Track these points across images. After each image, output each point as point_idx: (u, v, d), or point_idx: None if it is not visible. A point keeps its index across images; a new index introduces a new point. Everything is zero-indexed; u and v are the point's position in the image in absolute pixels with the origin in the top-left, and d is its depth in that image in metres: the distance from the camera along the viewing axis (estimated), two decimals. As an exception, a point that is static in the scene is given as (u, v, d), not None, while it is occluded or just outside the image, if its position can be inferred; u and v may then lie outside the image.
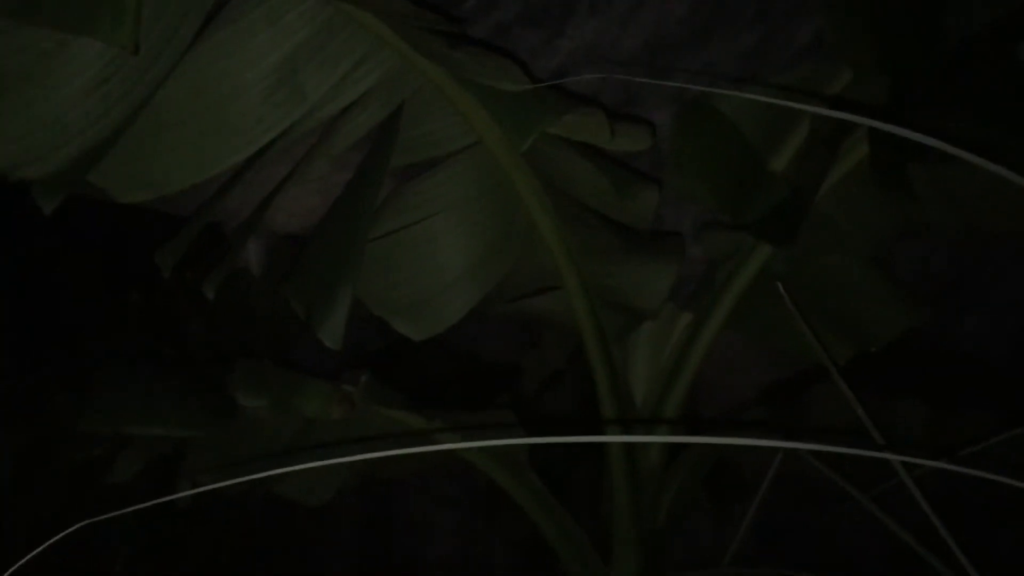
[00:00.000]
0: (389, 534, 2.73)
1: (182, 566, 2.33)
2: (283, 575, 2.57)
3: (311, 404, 1.76)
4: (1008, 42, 1.49)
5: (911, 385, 2.18)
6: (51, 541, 0.72)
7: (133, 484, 1.93)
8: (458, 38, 1.31)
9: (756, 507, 1.59)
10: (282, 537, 2.51)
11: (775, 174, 2.00)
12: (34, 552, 0.73)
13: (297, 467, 0.65)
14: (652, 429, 2.05)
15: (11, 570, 0.72)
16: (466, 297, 1.80)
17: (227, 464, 1.86)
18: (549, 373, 2.70)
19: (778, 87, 1.98)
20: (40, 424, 1.73)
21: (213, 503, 1.95)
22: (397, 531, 2.76)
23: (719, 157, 2.00)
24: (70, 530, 0.72)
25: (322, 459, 1.69)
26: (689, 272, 2.06)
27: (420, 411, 1.88)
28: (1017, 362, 2.39)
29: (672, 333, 2.06)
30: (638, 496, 2.06)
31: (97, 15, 0.97)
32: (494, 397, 2.69)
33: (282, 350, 2.43)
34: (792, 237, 1.75)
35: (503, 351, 2.80)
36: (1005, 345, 2.47)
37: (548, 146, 1.45)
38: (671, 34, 2.02)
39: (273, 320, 2.32)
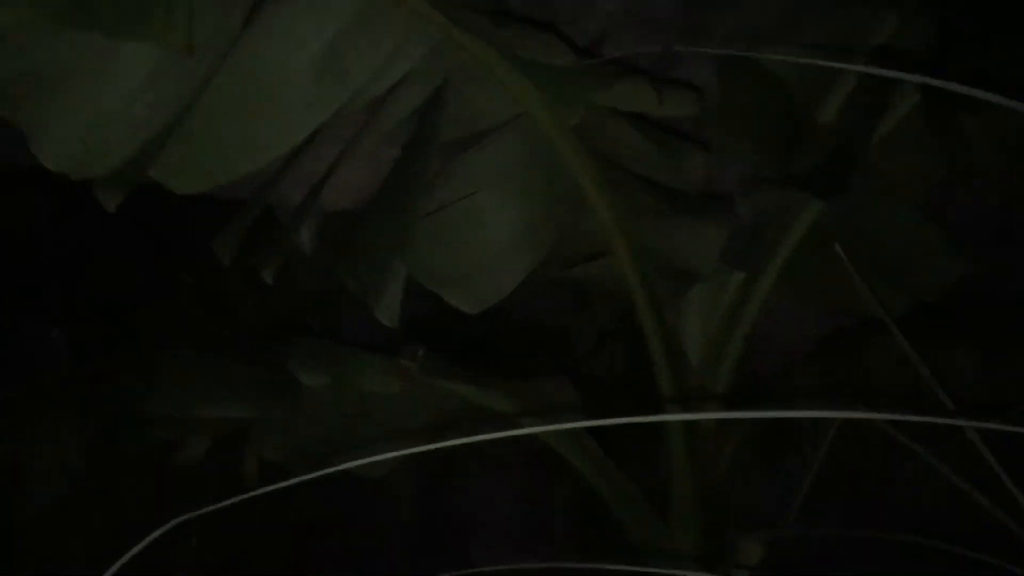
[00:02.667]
0: (446, 497, 2.79)
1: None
2: (342, 540, 2.64)
3: (371, 380, 1.81)
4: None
5: (963, 336, 2.18)
6: (155, 535, 0.76)
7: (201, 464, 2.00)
8: (502, 15, 1.33)
9: (817, 466, 1.61)
10: (340, 502, 2.58)
11: (822, 126, 1.99)
12: (139, 546, 0.76)
13: (392, 454, 0.68)
14: (709, 391, 2.07)
15: (113, 569, 0.76)
16: (517, 268, 1.83)
17: (294, 443, 1.92)
18: (598, 335, 2.72)
19: (819, 41, 1.96)
20: (109, 409, 1.79)
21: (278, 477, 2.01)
22: (454, 494, 2.81)
23: (764, 112, 1.99)
24: (172, 524, 0.76)
25: (397, 440, 1.74)
26: (738, 229, 2.06)
27: (476, 381, 1.91)
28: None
29: (724, 293, 2.06)
30: (696, 454, 2.08)
31: (150, 19, 1.00)
32: (543, 361, 2.72)
33: (332, 324, 2.48)
34: (843, 190, 1.75)
35: (550, 314, 2.82)
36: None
37: (594, 115, 1.46)
38: (708, -12, 2.00)
39: (322, 295, 2.36)
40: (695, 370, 2.13)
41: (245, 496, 0.78)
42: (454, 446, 1.94)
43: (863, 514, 2.34)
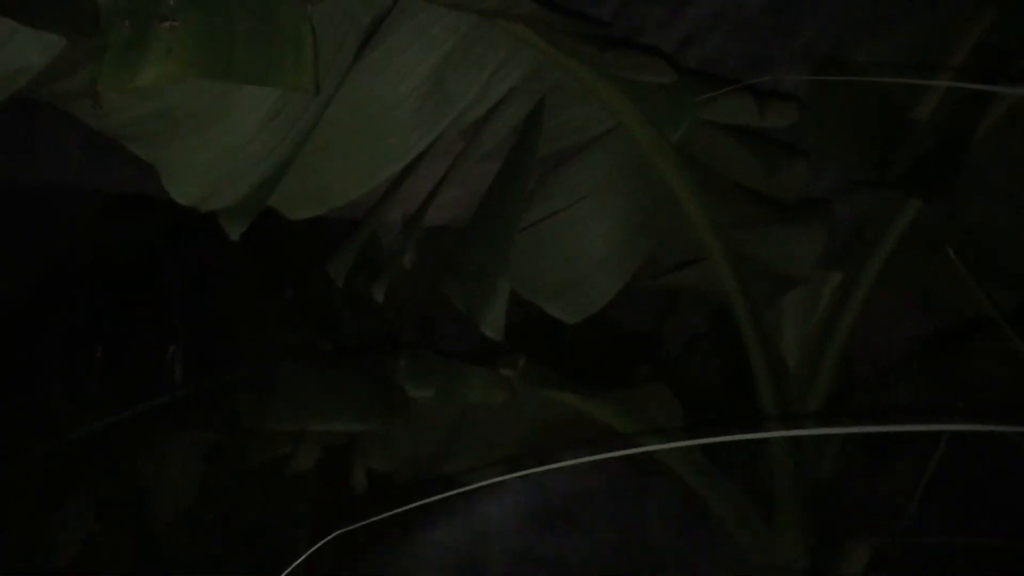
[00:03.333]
0: (546, 500, 2.81)
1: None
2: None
3: (474, 391, 1.86)
4: None
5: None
6: (314, 548, 0.81)
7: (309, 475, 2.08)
8: (602, 39, 1.36)
9: (928, 472, 1.61)
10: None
11: (919, 123, 1.98)
12: (299, 559, 0.82)
13: (549, 466, 0.72)
14: (809, 395, 2.07)
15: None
16: (615, 277, 1.87)
17: (400, 454, 1.99)
18: (691, 337, 2.73)
19: (913, 39, 1.95)
20: (227, 424, 1.88)
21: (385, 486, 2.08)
22: (554, 497, 2.84)
23: (858, 112, 1.99)
24: (329, 538, 0.81)
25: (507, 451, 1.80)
26: (836, 231, 2.06)
27: (576, 390, 1.96)
28: None
29: (822, 294, 2.07)
30: (798, 457, 2.09)
31: (282, 66, 1.06)
32: (635, 363, 2.75)
33: (430, 335, 2.55)
34: (946, 193, 1.74)
35: (641, 316, 2.84)
36: None
37: (693, 127, 1.49)
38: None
39: (421, 307, 2.42)
40: (794, 374, 2.14)
41: (403, 509, 0.83)
42: (549, 445, 1.96)
43: (974, 519, 2.30)
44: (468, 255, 1.76)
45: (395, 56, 1.42)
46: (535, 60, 1.54)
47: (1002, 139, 1.88)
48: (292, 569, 0.85)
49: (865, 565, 2.04)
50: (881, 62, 1.98)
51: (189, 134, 1.27)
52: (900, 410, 2.30)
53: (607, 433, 2.08)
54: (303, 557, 0.83)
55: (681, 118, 1.33)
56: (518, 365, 1.94)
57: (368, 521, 0.87)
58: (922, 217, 1.94)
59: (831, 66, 1.97)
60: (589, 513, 2.92)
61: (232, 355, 2.36)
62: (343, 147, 1.48)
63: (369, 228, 1.57)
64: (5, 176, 1.91)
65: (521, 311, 2.08)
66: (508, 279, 1.68)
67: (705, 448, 2.08)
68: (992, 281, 1.99)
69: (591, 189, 1.78)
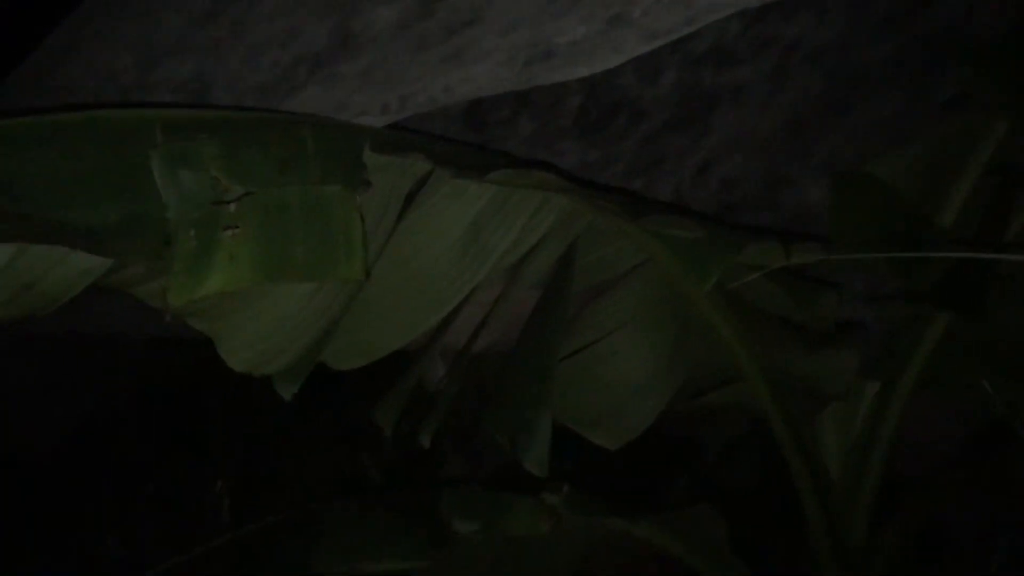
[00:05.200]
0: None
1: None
2: None
3: (519, 523, 1.90)
4: None
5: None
6: None
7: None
8: (631, 203, 1.45)
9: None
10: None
11: (943, 230, 2.04)
12: None
13: None
14: (853, 503, 2.10)
15: None
16: (653, 402, 1.92)
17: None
18: (729, 445, 2.76)
19: (929, 153, 2.02)
20: (275, 567, 1.93)
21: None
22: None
23: (881, 222, 2.06)
24: None
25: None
26: (870, 341, 2.11)
27: (623, 514, 1.99)
28: None
29: (861, 404, 2.10)
30: (845, 569, 2.10)
31: (335, 260, 1.15)
32: (676, 473, 2.77)
33: (470, 451, 2.59)
34: (978, 303, 1.79)
35: (679, 424, 2.86)
36: None
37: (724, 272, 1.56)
38: (810, 111, 2.10)
39: (460, 432, 2.47)
40: (837, 483, 2.17)
41: None
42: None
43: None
44: (508, 389, 1.82)
45: (434, 216, 1.51)
46: (566, 206, 1.62)
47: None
48: None
49: None
50: (899, 173, 2.06)
51: (242, 308, 1.35)
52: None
53: (656, 556, 2.10)
54: None
55: (711, 270, 1.40)
56: (562, 492, 1.98)
57: None
58: (955, 325, 1.98)
59: (850, 181, 2.05)
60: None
61: (279, 485, 2.42)
62: (387, 302, 1.56)
63: (415, 374, 1.64)
64: (54, 329, 2.00)
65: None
66: (550, 415, 1.74)
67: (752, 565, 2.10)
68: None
69: (625, 319, 1.85)
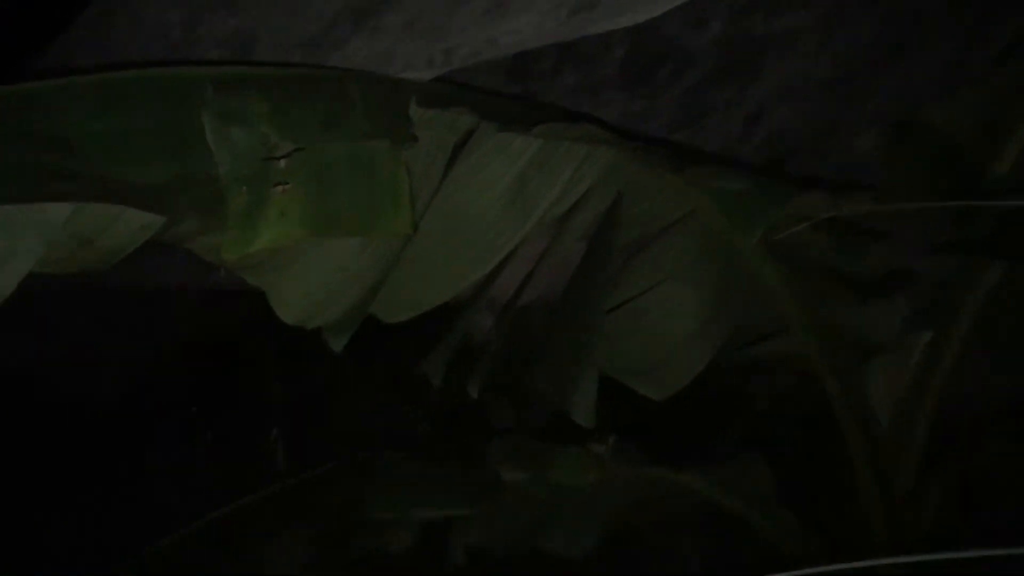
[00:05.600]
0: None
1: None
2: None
3: (566, 472, 1.94)
4: None
5: None
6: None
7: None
8: (677, 149, 1.45)
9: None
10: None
11: (999, 178, 2.00)
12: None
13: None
14: (903, 453, 2.10)
15: None
16: (700, 353, 1.93)
17: (497, 532, 2.07)
18: (775, 395, 2.75)
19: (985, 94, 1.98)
20: (333, 513, 1.99)
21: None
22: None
23: (935, 170, 2.03)
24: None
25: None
26: (920, 292, 2.09)
27: (669, 464, 2.02)
28: None
29: (912, 354, 2.09)
30: (893, 518, 2.11)
31: (382, 215, 1.17)
32: (720, 424, 2.78)
33: (518, 402, 2.62)
34: (1027, 254, 1.76)
35: (725, 375, 2.86)
36: None
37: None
38: (862, 58, 2.06)
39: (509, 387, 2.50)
40: (887, 434, 2.16)
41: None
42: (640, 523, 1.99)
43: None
44: (555, 341, 1.84)
45: (480, 170, 1.52)
46: (611, 159, 1.63)
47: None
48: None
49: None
50: (953, 122, 2.03)
51: (294, 262, 1.38)
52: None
53: (702, 505, 2.13)
54: None
55: (758, 222, 1.40)
56: (608, 443, 2.00)
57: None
58: (1008, 275, 1.96)
59: (903, 129, 2.02)
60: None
61: (330, 434, 2.48)
62: (435, 256, 1.58)
63: (462, 327, 1.66)
64: (114, 282, 2.06)
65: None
66: (596, 366, 1.76)
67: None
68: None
69: (671, 271, 1.86)
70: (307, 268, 1.41)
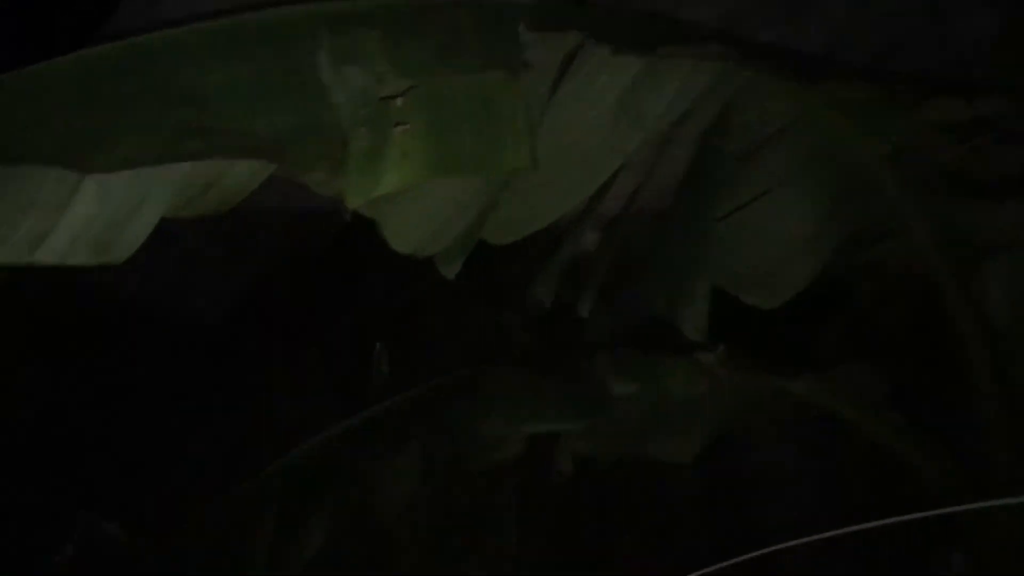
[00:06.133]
0: (738, 488, 2.82)
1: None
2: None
3: (676, 384, 1.95)
4: None
5: None
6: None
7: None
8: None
9: None
10: (629, 498, 2.70)
11: None
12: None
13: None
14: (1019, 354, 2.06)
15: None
16: (812, 261, 1.91)
17: (603, 442, 2.11)
18: (888, 298, 2.70)
19: None
20: (440, 428, 2.05)
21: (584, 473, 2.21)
22: (746, 485, 2.84)
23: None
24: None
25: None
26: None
27: (781, 372, 2.01)
28: None
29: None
30: (1015, 419, 2.08)
31: (503, 151, 1.17)
32: (827, 322, 2.75)
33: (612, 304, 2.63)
34: None
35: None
36: None
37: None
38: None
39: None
40: (1005, 331, 2.12)
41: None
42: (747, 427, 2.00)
43: None
44: (664, 253, 1.84)
45: (586, 86, 1.50)
46: (719, 67, 1.58)
47: None
48: None
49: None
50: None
51: (405, 194, 1.39)
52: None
53: (808, 409, 2.13)
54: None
55: (888, 130, 1.35)
56: (717, 351, 2.00)
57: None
58: None
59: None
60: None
61: (433, 345, 2.53)
62: (543, 177, 1.56)
63: (571, 245, 1.67)
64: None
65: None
66: (708, 280, 1.75)
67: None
68: None
69: (784, 178, 1.82)
70: (419, 198, 1.42)
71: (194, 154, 1.03)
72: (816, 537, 1.05)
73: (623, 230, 1.91)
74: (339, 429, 2.07)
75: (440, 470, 2.02)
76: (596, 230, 1.78)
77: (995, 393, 2.05)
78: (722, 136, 1.67)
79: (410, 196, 1.43)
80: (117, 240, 1.09)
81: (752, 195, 1.83)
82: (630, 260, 1.91)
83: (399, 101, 1.12)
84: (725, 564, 0.92)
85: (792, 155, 1.80)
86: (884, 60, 1.98)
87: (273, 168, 1.24)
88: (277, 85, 1.10)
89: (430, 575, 2.11)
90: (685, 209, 1.80)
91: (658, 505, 2.63)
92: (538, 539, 2.47)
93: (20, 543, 2.31)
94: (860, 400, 2.09)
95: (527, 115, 1.21)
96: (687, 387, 1.98)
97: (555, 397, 2.00)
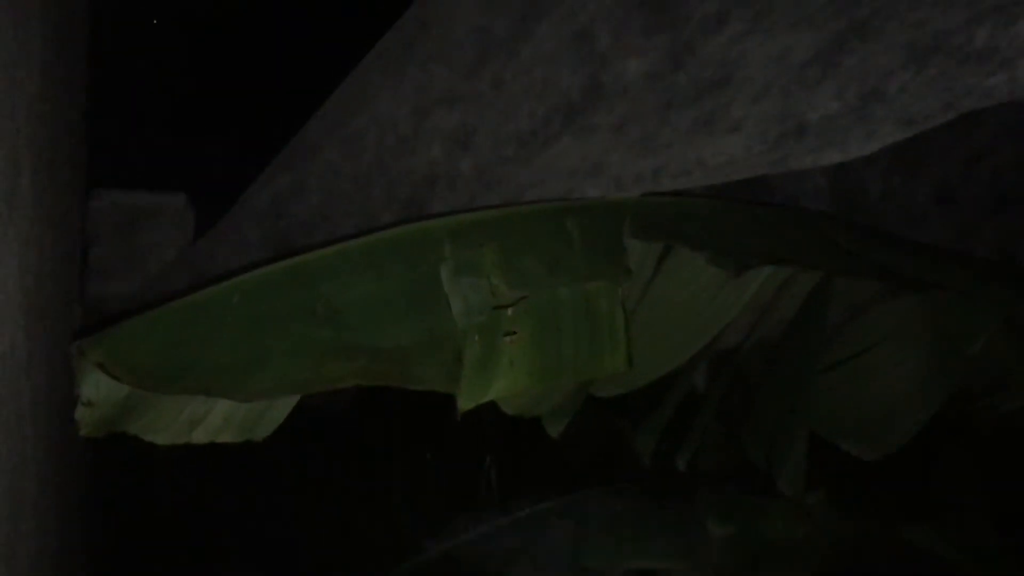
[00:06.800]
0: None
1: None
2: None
3: (776, 527, 2.07)
4: None
5: None
6: None
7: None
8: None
9: None
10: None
11: None
12: None
13: None
14: None
15: None
16: (918, 415, 2.02)
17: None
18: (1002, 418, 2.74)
19: None
20: (545, 555, 2.22)
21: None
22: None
23: None
24: None
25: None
26: None
27: (884, 518, 2.11)
28: None
29: None
30: None
31: (601, 356, 1.36)
32: (942, 448, 2.80)
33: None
34: None
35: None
36: None
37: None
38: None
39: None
40: None
41: None
42: None
43: None
44: (765, 402, 1.97)
45: (690, 259, 1.66)
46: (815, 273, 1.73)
47: None
48: None
49: None
50: None
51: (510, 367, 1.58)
52: None
53: (916, 555, 2.21)
54: None
55: (978, 331, 1.47)
56: (818, 495, 2.12)
57: None
58: None
59: None
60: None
61: (540, 464, 2.71)
62: (649, 338, 1.74)
63: (674, 400, 1.83)
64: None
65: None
66: (806, 433, 1.88)
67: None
68: None
69: (888, 333, 1.93)
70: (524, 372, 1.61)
71: (333, 379, 1.25)
72: None
73: (731, 371, 2.06)
74: (442, 548, 2.26)
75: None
76: (704, 373, 1.93)
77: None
78: (825, 301, 1.81)
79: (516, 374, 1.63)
80: (260, 423, 1.33)
81: (855, 349, 1.96)
82: (732, 408, 2.05)
83: (509, 311, 1.32)
84: None
85: (895, 314, 1.92)
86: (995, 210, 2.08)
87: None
88: (403, 298, 1.32)
89: None
90: (787, 360, 1.93)
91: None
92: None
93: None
94: (967, 545, 2.16)
95: (625, 320, 1.39)
96: (786, 530, 2.10)
97: (656, 532, 2.15)
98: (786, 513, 2.11)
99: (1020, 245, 2.08)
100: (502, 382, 1.32)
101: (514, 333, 1.33)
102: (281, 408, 1.34)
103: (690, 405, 2.00)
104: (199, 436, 1.32)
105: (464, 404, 1.32)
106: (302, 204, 1.96)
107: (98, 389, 1.27)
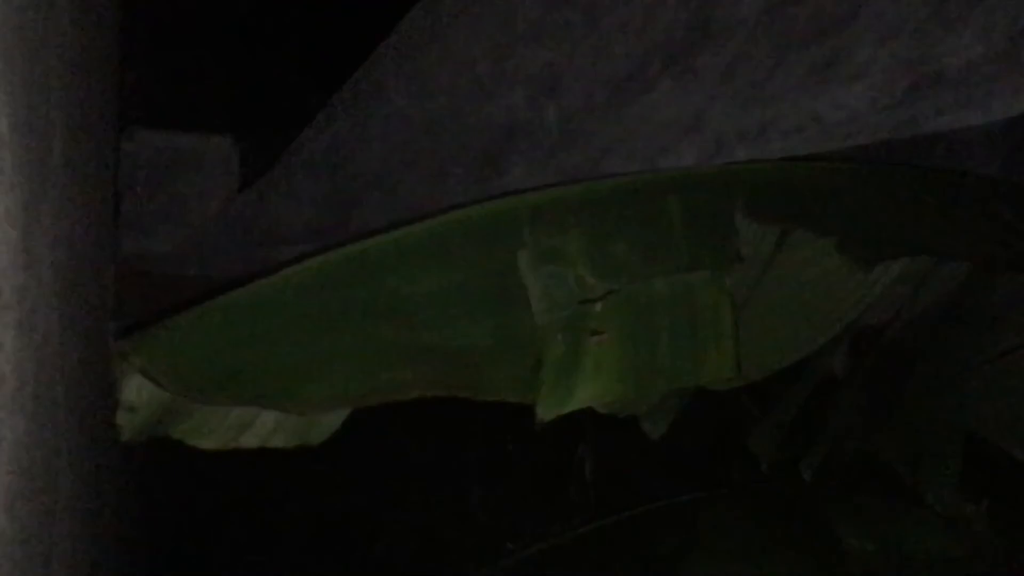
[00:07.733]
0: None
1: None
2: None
3: (926, 543, 2.13)
4: None
5: None
6: None
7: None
8: None
9: None
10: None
11: None
12: None
13: None
14: None
15: None
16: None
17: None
18: None
19: None
20: (638, 565, 2.33)
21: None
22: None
23: None
24: None
25: None
26: None
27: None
28: None
29: None
30: None
31: (705, 362, 1.43)
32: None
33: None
34: None
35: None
36: None
37: None
38: None
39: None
40: None
41: None
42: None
43: None
44: (912, 403, 2.03)
45: (799, 263, 1.71)
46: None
47: None
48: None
49: None
50: None
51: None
52: None
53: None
54: None
55: None
56: (981, 509, 2.17)
57: None
58: None
59: None
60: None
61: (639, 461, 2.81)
62: (767, 326, 1.81)
63: (794, 407, 1.90)
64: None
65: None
66: (962, 437, 1.94)
67: None
68: None
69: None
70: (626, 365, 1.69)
71: (395, 388, 1.36)
72: None
73: (872, 359, 2.12)
74: (535, 550, 2.39)
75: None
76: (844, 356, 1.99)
77: None
78: (985, 284, 1.85)
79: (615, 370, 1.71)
80: (315, 426, 1.45)
81: (1014, 343, 1.99)
82: (870, 406, 2.11)
83: (598, 306, 1.41)
84: None
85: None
86: None
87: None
88: (475, 289, 1.41)
89: None
90: (943, 345, 1.98)
91: None
92: None
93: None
94: None
95: (733, 317, 1.46)
96: (939, 547, 2.15)
97: (778, 546, 2.22)
98: (938, 528, 2.16)
99: None
100: (588, 389, 1.40)
101: (602, 332, 1.41)
102: (337, 415, 1.46)
103: (818, 401, 2.06)
104: (248, 440, 1.45)
105: (543, 414, 1.40)
106: (362, 153, 2.05)
107: (140, 393, 1.41)
